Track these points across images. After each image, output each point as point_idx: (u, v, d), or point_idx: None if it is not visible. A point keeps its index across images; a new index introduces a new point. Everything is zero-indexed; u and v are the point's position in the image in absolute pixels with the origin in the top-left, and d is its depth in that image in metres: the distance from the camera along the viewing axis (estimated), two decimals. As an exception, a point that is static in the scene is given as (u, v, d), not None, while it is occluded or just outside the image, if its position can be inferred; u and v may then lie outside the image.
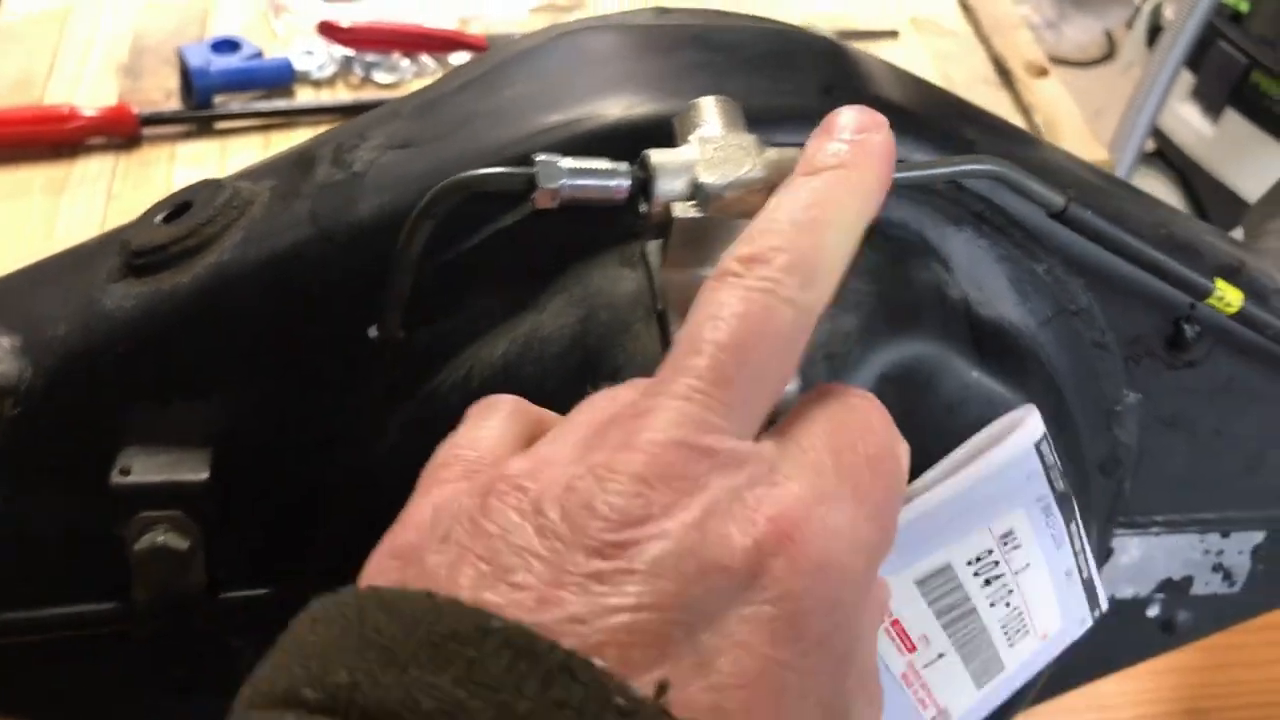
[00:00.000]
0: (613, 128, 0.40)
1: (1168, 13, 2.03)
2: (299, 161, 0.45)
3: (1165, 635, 0.57)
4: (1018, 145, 0.47)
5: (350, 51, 1.08)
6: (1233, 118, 1.91)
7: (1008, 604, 0.39)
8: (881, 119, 0.33)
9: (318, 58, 1.07)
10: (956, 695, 0.41)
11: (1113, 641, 0.56)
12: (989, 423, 0.41)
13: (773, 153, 0.36)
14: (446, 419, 0.40)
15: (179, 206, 0.44)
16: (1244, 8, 1.90)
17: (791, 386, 0.34)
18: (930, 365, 0.40)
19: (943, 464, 0.38)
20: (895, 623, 0.38)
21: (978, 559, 0.38)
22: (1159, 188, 2.06)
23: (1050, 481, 0.38)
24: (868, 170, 0.32)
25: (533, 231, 0.41)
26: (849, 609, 0.26)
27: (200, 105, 1.02)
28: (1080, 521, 0.40)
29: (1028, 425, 0.37)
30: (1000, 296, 0.45)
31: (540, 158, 0.35)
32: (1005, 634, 0.40)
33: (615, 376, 0.38)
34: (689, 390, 0.27)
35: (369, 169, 0.42)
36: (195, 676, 0.46)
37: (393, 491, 0.42)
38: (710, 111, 0.37)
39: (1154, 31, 2.15)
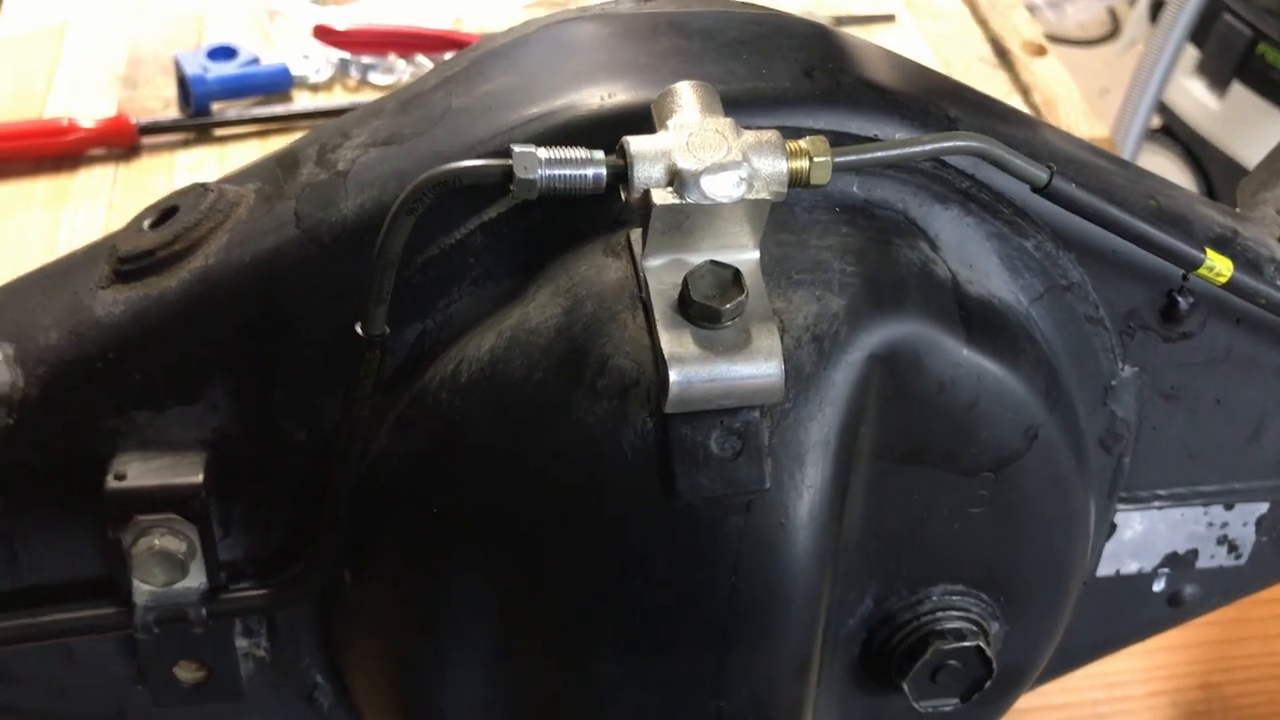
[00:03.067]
0: (591, 118, 0.40)
1: (1171, -13, 2.01)
2: (284, 162, 0.45)
3: (1173, 610, 0.57)
4: (1006, 124, 0.46)
5: (346, 54, 1.08)
6: (1239, 91, 1.89)
7: None
8: None
9: (314, 62, 1.07)
10: None
11: (1119, 618, 0.56)
12: (981, 399, 0.41)
13: (750, 136, 0.36)
14: (437, 418, 0.41)
15: (166, 211, 0.44)
16: (1248, -21, 1.89)
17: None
18: (919, 344, 0.40)
19: None
20: None
21: None
22: (1166, 164, 2.05)
23: None
24: None
25: (517, 225, 0.41)
26: None
27: (198, 113, 1.02)
28: None
29: None
30: (990, 274, 0.44)
31: (517, 149, 0.35)
32: None
33: (604, 366, 0.38)
34: None
35: (352, 167, 0.42)
36: (203, 680, 0.46)
37: (385, 495, 0.42)
38: (686, 97, 0.37)
39: (1157, 7, 2.13)
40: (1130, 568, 0.55)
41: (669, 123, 0.37)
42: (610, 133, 0.37)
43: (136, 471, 0.41)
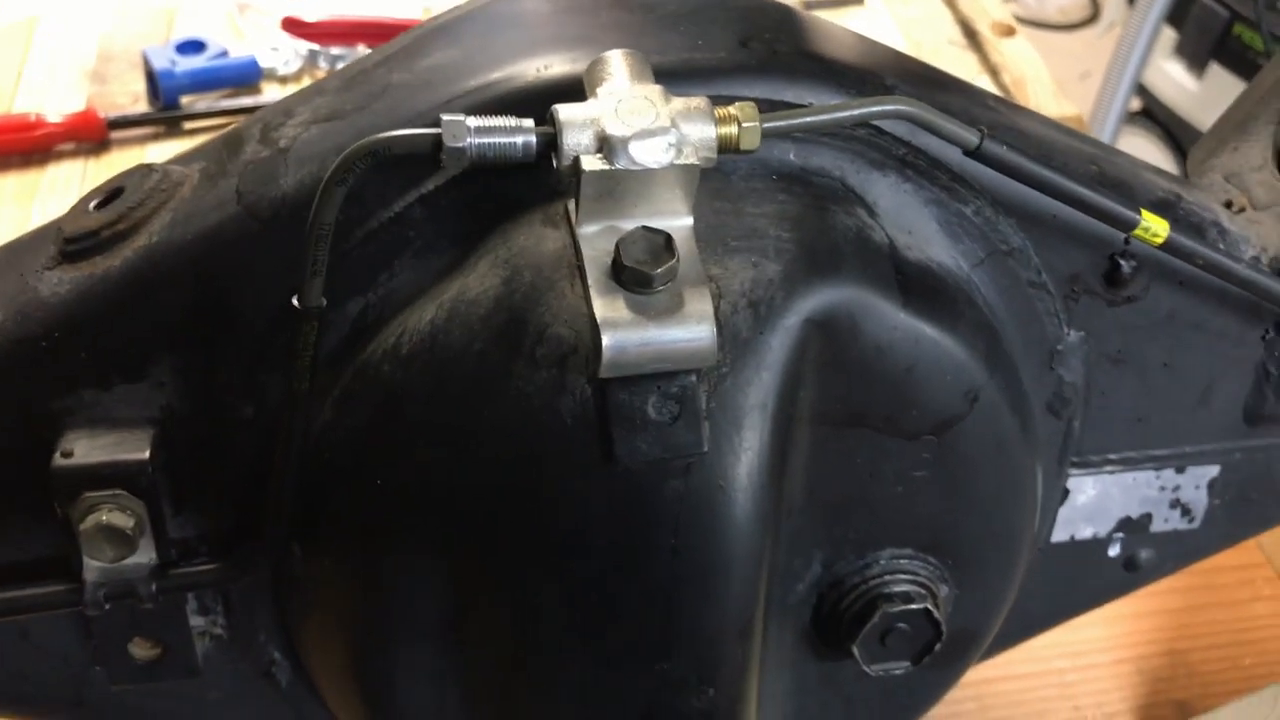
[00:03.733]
0: (528, 89, 0.41)
1: (1147, -31, 2.02)
2: (228, 142, 0.45)
3: (1129, 574, 0.57)
4: (945, 92, 0.47)
5: (315, 46, 1.08)
6: (1217, 72, 1.90)
7: None
8: None
9: (283, 54, 1.08)
10: None
11: (1075, 583, 0.57)
12: (919, 362, 0.42)
13: (679, 103, 0.37)
14: (379, 390, 0.41)
15: (112, 193, 0.45)
16: (1224, -39, 1.90)
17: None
18: (854, 309, 0.40)
19: None
20: None
21: None
22: (1146, 145, 2.05)
23: None
24: None
25: (456, 197, 0.41)
26: None
27: (167, 106, 1.02)
28: None
29: None
30: (930, 240, 0.45)
31: (446, 118, 0.36)
32: None
33: (542, 335, 0.38)
34: None
35: (293, 144, 0.43)
36: (157, 657, 0.47)
37: (330, 470, 0.42)
38: (617, 65, 0.38)
39: (1135, -10, 2.14)
40: (1085, 533, 0.55)
41: (599, 90, 0.37)
42: (547, 104, 0.38)
43: (84, 449, 0.41)
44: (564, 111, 0.36)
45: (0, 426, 0.42)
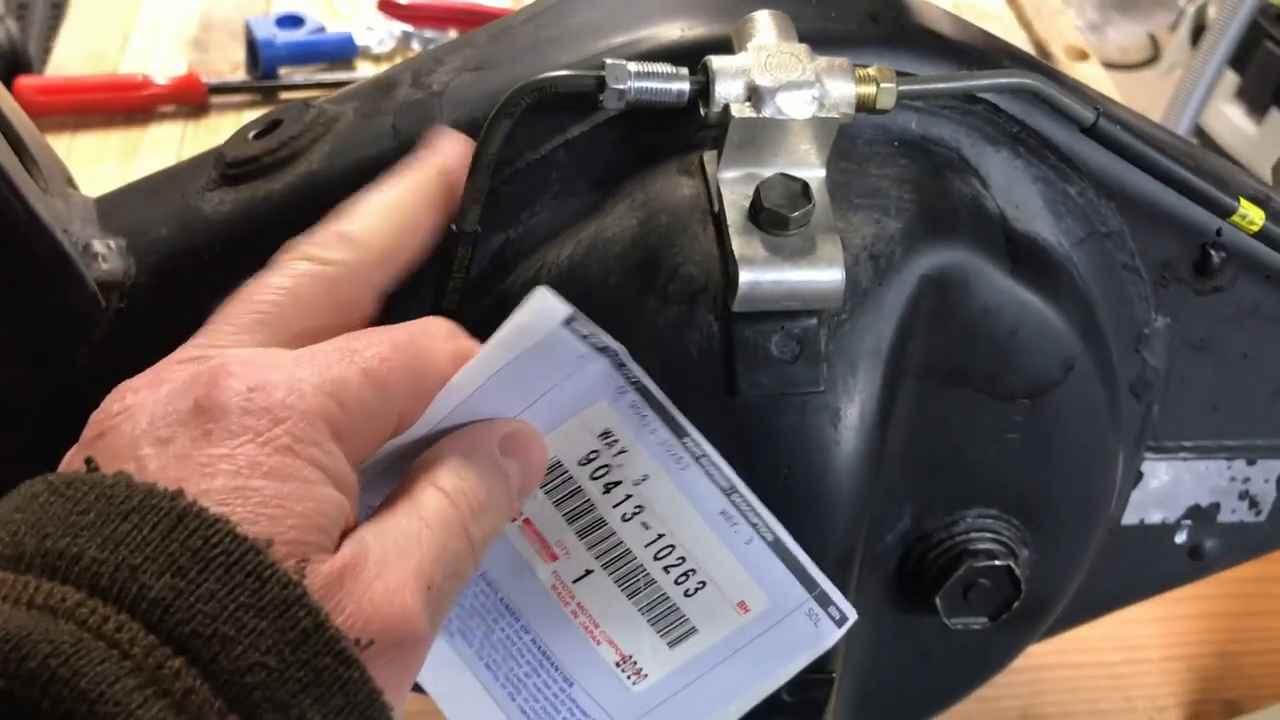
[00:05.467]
0: (673, 45, 0.43)
1: (1212, 14, 2.03)
2: (380, 85, 0.48)
3: (1193, 563, 0.59)
4: (1056, 77, 0.49)
5: (409, 27, 1.12)
6: (1277, 118, 1.91)
7: (645, 524, 0.38)
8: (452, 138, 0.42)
9: (377, 33, 1.11)
10: (638, 641, 0.39)
11: (1141, 566, 0.59)
12: (1022, 327, 0.44)
13: (823, 60, 0.40)
14: (516, 316, 0.44)
15: (270, 124, 0.48)
16: (1289, 8, 1.91)
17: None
18: (967, 270, 0.43)
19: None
20: (528, 521, 0.38)
21: (587, 459, 0.38)
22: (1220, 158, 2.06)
23: (619, 369, 0.37)
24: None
25: (598, 144, 0.44)
26: None
27: (265, 76, 1.06)
28: (719, 460, 0.38)
29: (537, 298, 0.35)
30: (1035, 215, 0.47)
31: (609, 61, 0.39)
32: (667, 571, 0.39)
33: (675, 273, 0.41)
34: None
35: (446, 89, 0.46)
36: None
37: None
38: (765, 23, 0.41)
39: (1198, 33, 2.15)
40: (1154, 517, 0.57)
41: (748, 45, 0.40)
42: (690, 60, 0.41)
43: (236, 356, 0.44)
44: (717, 62, 0.39)
45: (160, 330, 0.45)
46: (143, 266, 0.45)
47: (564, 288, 0.43)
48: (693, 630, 0.40)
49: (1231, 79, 1.96)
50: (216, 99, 1.05)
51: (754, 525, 0.38)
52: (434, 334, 0.36)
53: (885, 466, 0.45)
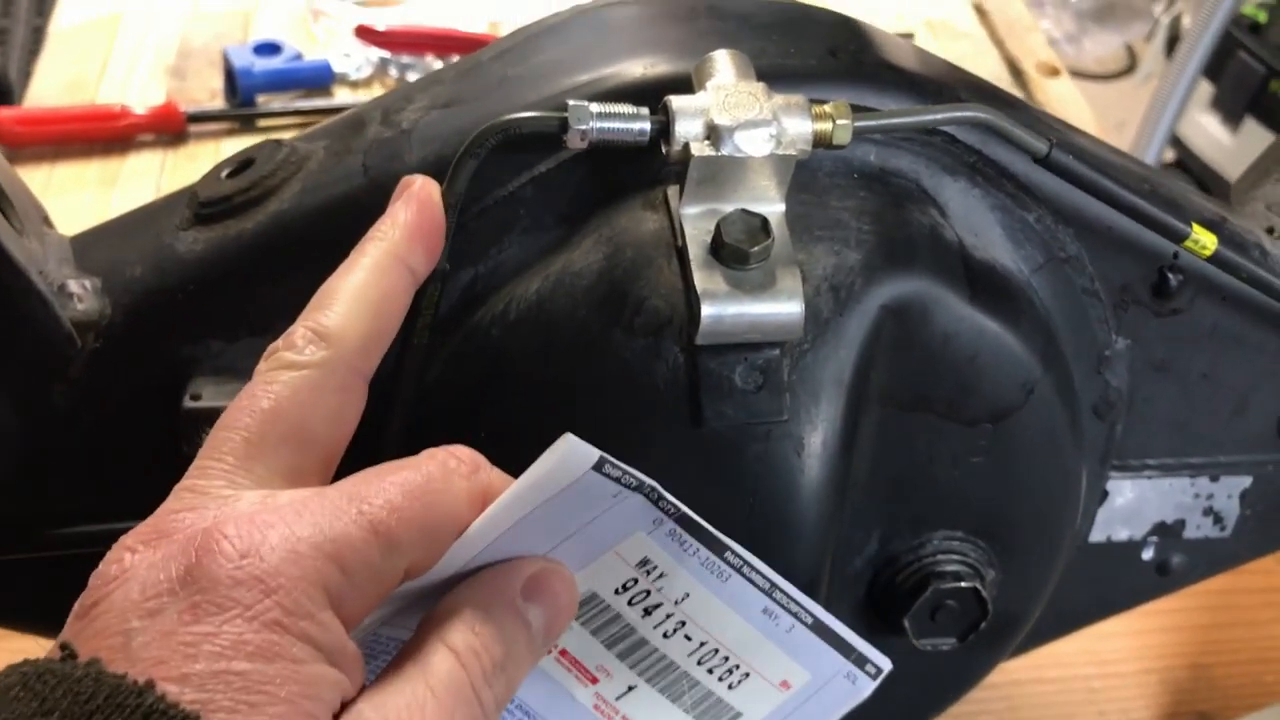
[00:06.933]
0: (636, 84, 0.44)
1: (1186, 23, 2.06)
2: (351, 123, 0.49)
3: (1161, 578, 0.60)
4: (1012, 108, 0.51)
5: (386, 54, 1.13)
6: (1252, 127, 1.94)
7: (688, 636, 0.38)
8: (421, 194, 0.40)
9: (355, 60, 1.12)
10: None
11: (1109, 583, 0.60)
12: (982, 353, 0.45)
13: (780, 98, 0.40)
14: (486, 351, 0.45)
15: (242, 163, 0.48)
16: (1262, 18, 1.94)
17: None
18: (926, 298, 0.44)
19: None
20: (564, 652, 0.37)
21: (624, 587, 0.37)
22: (1179, 181, 2.08)
23: (656, 503, 0.36)
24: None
25: (564, 180, 0.45)
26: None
27: (244, 104, 1.07)
28: (758, 563, 0.37)
29: (564, 445, 0.33)
30: (994, 243, 0.48)
31: (572, 103, 0.40)
32: (711, 672, 0.39)
33: (641, 306, 0.42)
34: None
35: (415, 126, 0.47)
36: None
37: (437, 420, 0.46)
38: (723, 63, 0.42)
39: (1173, 43, 2.18)
40: (1121, 534, 0.58)
41: (707, 85, 0.41)
42: (653, 98, 0.42)
43: (211, 393, 0.45)
44: (677, 101, 0.40)
45: (134, 370, 0.46)
46: (118, 306, 0.46)
47: (532, 321, 0.44)
48: (737, 716, 0.40)
49: (1207, 89, 1.99)
50: (195, 127, 1.06)
51: (794, 614, 0.38)
52: (453, 472, 0.33)
53: (851, 492, 0.46)
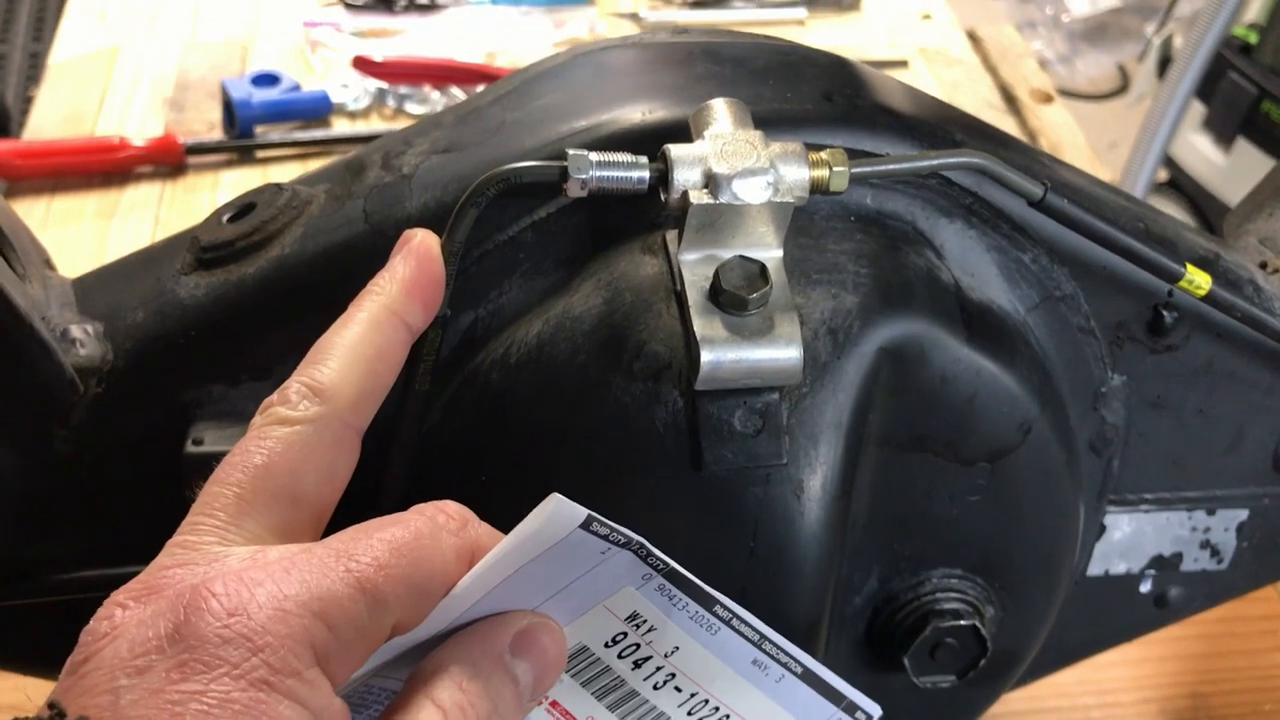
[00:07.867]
0: (634, 130, 0.45)
1: (1178, 44, 2.07)
2: (351, 167, 0.49)
3: (1159, 611, 0.61)
4: (1007, 149, 0.51)
5: (383, 84, 1.13)
6: (1244, 147, 1.95)
7: (678, 688, 0.38)
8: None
9: (353, 90, 1.13)
10: None
11: (1108, 616, 0.60)
12: (979, 394, 0.46)
13: (777, 146, 0.41)
14: (487, 395, 0.45)
15: (244, 208, 0.49)
16: (1253, 39, 1.95)
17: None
18: (923, 340, 0.44)
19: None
20: (555, 703, 0.38)
21: (614, 640, 0.37)
22: (1172, 216, 2.09)
23: (645, 559, 0.36)
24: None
25: (564, 225, 0.45)
26: None
27: (242, 135, 1.07)
28: (747, 616, 0.38)
29: (551, 505, 0.33)
30: (990, 283, 0.49)
31: (571, 152, 0.40)
32: None
33: (640, 350, 0.42)
34: None
35: (415, 171, 0.47)
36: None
37: (438, 464, 0.46)
38: (721, 111, 0.42)
39: (1165, 64, 2.19)
40: (1119, 568, 0.58)
41: (705, 133, 0.41)
42: (651, 144, 0.42)
43: (213, 438, 0.45)
44: (675, 150, 0.40)
45: (136, 414, 0.46)
46: (120, 351, 0.46)
47: (532, 365, 0.44)
48: None
49: (1198, 109, 2.00)
50: (194, 159, 1.06)
51: (784, 664, 0.38)
52: (442, 528, 0.34)
53: (851, 532, 0.46)
